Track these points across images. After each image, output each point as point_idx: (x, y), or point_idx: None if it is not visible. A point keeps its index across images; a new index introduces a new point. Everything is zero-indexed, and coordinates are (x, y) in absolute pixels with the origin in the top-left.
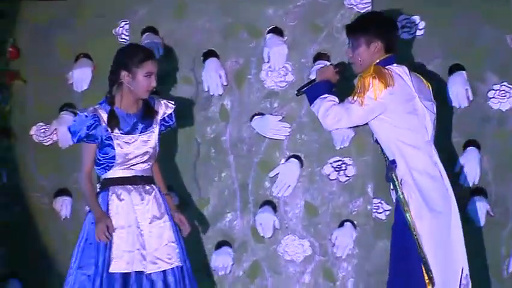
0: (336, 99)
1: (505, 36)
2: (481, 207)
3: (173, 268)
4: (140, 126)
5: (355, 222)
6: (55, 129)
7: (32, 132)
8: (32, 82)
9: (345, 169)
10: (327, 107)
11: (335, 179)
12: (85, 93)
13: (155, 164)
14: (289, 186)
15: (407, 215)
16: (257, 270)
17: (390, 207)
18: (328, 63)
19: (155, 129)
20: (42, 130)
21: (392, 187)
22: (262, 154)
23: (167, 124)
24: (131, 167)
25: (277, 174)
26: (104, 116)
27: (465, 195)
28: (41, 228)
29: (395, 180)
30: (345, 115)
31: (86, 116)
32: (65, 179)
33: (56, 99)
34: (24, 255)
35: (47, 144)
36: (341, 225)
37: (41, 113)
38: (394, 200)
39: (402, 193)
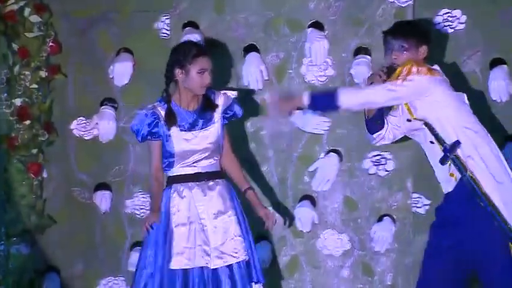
0: None
1: None
2: None
3: (239, 262)
4: (200, 122)
5: (394, 216)
6: (96, 123)
7: (72, 126)
8: (72, 77)
9: (385, 163)
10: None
11: (374, 174)
12: (125, 87)
13: (229, 158)
14: (328, 180)
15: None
16: (296, 264)
17: (429, 202)
18: (368, 57)
19: (217, 123)
20: (83, 124)
21: (451, 170)
22: (302, 149)
23: (229, 115)
24: (194, 164)
25: (316, 168)
26: (163, 114)
27: None
28: (81, 223)
29: (460, 159)
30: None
31: (146, 115)
32: (105, 173)
33: (97, 93)
34: (63, 249)
35: (87, 138)
36: (380, 219)
37: (81, 108)
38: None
39: (471, 172)
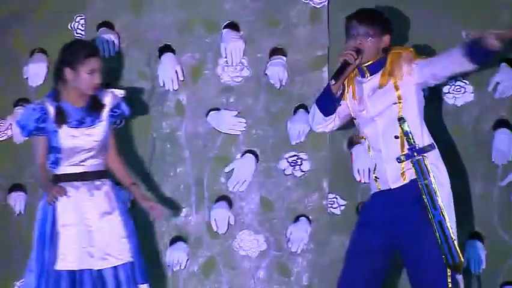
0: None
1: (461, 31)
2: None
3: (124, 264)
4: (87, 119)
5: (310, 217)
6: (10, 124)
7: None
8: None
9: (301, 164)
10: None
11: (290, 174)
12: (39, 88)
13: (114, 156)
14: (244, 181)
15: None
16: (212, 265)
17: (345, 202)
18: (284, 58)
19: (104, 122)
20: None
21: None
22: (218, 149)
23: (117, 114)
24: (81, 163)
25: (232, 169)
26: (52, 110)
27: None
28: None
29: (425, 164)
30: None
31: (34, 109)
32: (19, 174)
33: (11, 94)
34: None
35: (1, 139)
36: (296, 220)
37: None
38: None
39: (432, 180)
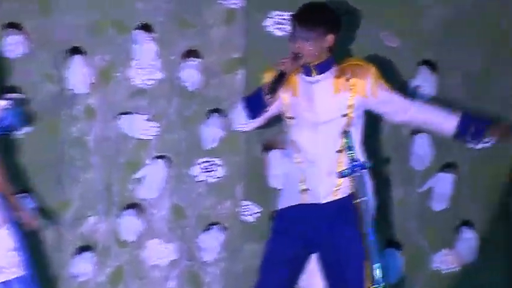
0: None
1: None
2: None
3: (17, 277)
4: None
5: (223, 225)
6: None
7: None
8: None
9: (214, 170)
10: None
11: (203, 180)
12: None
13: None
14: (155, 187)
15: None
16: (120, 275)
17: (259, 210)
18: (198, 60)
19: None
20: None
21: (349, 191)
22: (129, 154)
23: (2, 126)
24: None
25: (143, 175)
26: None
27: None
28: None
29: (366, 180)
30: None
31: None
32: None
33: None
34: None
35: None
36: (208, 228)
37: None
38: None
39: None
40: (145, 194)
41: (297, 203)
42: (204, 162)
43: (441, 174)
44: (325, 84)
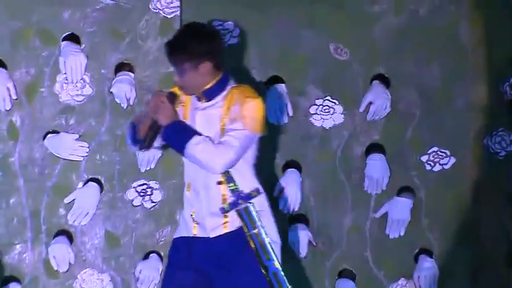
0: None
1: (329, 44)
2: (303, 235)
3: None
4: None
5: (162, 253)
6: None
7: None
8: None
9: (151, 194)
10: (209, 151)
11: (140, 205)
12: None
13: None
14: (87, 213)
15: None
16: None
17: None
18: (132, 74)
19: None
20: None
21: (240, 223)
22: (57, 177)
23: None
24: None
25: (73, 200)
26: None
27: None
28: None
29: (253, 212)
30: (236, 148)
31: None
32: None
33: None
34: None
35: None
36: (146, 257)
37: None
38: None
39: (263, 227)
40: (75, 220)
41: (190, 235)
42: (140, 185)
43: (398, 199)
44: (211, 112)
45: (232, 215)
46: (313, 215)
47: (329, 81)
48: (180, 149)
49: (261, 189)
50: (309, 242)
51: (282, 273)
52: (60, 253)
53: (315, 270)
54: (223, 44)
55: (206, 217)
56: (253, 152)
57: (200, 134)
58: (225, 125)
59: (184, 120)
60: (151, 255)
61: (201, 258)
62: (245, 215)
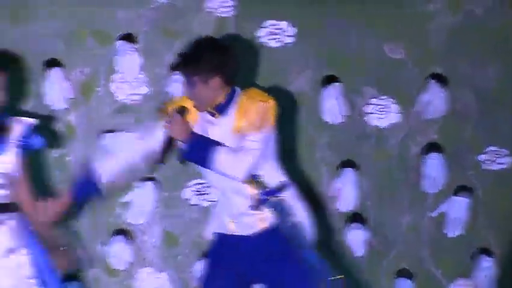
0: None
1: (384, 44)
2: (359, 235)
3: None
4: None
5: None
6: None
7: None
8: None
9: (207, 193)
10: (230, 160)
11: (196, 204)
12: None
13: (24, 189)
14: (145, 212)
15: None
16: None
17: None
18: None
19: (10, 152)
20: None
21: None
22: None
23: (25, 144)
24: None
25: (131, 199)
26: None
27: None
28: None
29: (283, 205)
30: (255, 152)
31: None
32: None
33: None
34: None
35: None
36: (204, 256)
37: None
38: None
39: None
40: (133, 219)
41: (226, 233)
42: (196, 184)
43: (456, 198)
44: (225, 125)
45: (265, 211)
46: (370, 214)
47: (384, 80)
48: (202, 163)
49: (287, 181)
50: (366, 242)
51: (319, 256)
52: (119, 252)
53: (372, 269)
54: (235, 59)
55: (240, 216)
56: (273, 148)
57: (218, 144)
58: (240, 131)
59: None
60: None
61: (240, 255)
62: (275, 210)
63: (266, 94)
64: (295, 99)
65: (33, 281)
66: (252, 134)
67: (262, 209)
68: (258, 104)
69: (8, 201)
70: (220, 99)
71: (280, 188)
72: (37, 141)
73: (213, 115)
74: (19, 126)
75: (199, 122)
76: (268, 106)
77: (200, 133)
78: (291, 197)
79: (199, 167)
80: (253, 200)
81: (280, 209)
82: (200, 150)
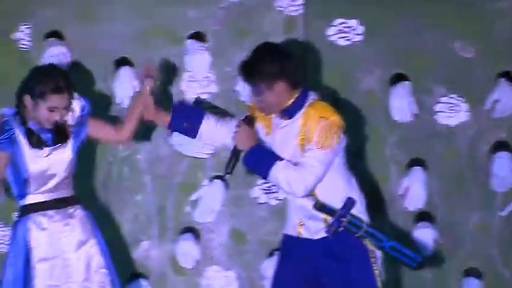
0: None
1: (454, 41)
2: (428, 234)
3: None
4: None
5: None
6: None
7: None
8: None
9: (276, 191)
10: (290, 176)
11: (265, 203)
12: None
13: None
14: (213, 210)
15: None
16: None
17: None
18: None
19: (69, 142)
20: None
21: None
22: (183, 175)
23: (80, 130)
24: (52, 189)
25: (199, 197)
26: (18, 132)
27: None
28: None
29: (356, 219)
30: (316, 169)
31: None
32: None
33: None
34: None
35: None
36: (271, 254)
37: None
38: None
39: (366, 230)
40: (201, 217)
41: (295, 235)
42: (264, 183)
43: None
44: (289, 129)
45: (329, 218)
46: (438, 213)
47: (454, 79)
48: (262, 175)
49: (355, 196)
50: (434, 241)
51: (397, 243)
52: (186, 250)
53: (441, 268)
54: (295, 63)
55: (308, 220)
56: (340, 162)
57: (280, 158)
58: (301, 142)
59: (265, 138)
60: (276, 252)
61: (306, 258)
62: (351, 227)
63: (331, 109)
64: (364, 98)
65: (105, 270)
66: (313, 151)
67: (338, 229)
68: (321, 120)
69: (73, 194)
70: (288, 102)
71: (348, 207)
72: (84, 111)
73: (281, 118)
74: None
75: (273, 125)
76: (331, 123)
77: (270, 136)
78: (357, 211)
79: None
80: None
81: (352, 225)
82: (259, 162)
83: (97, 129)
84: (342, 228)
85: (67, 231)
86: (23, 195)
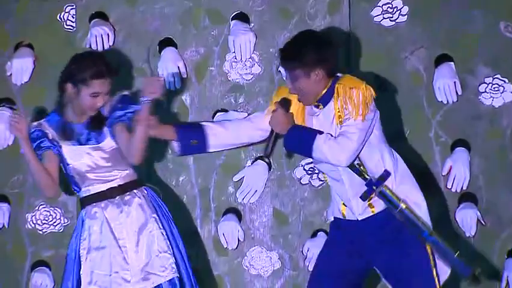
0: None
1: (499, 22)
2: (471, 214)
3: (170, 280)
4: (92, 135)
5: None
6: None
7: None
8: None
9: (319, 172)
10: (333, 147)
11: (307, 184)
12: (25, 86)
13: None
14: (256, 191)
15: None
16: (220, 286)
17: None
18: None
19: (107, 133)
20: None
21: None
22: (226, 156)
23: (117, 116)
24: (103, 179)
25: (242, 178)
26: (50, 130)
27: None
28: None
29: (389, 193)
30: (356, 138)
31: (30, 133)
32: (2, 184)
33: None
34: None
35: None
36: (314, 235)
37: None
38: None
39: (407, 206)
40: (244, 198)
41: (340, 217)
42: (308, 163)
43: None
44: (327, 114)
45: (374, 198)
46: (482, 194)
47: (499, 59)
48: (305, 153)
49: (389, 171)
50: (478, 221)
51: (441, 242)
52: (229, 231)
53: (484, 249)
54: (335, 53)
55: (351, 200)
56: (378, 133)
57: (319, 132)
58: (339, 119)
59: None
60: (318, 233)
61: (351, 239)
62: (383, 199)
63: (359, 80)
64: (408, 78)
65: (165, 254)
66: (350, 120)
67: (370, 195)
68: (351, 91)
69: (131, 179)
70: (322, 92)
71: (381, 179)
72: (130, 108)
73: (317, 106)
74: (107, 106)
75: (306, 116)
76: (362, 92)
77: (308, 124)
78: (398, 182)
79: None
80: (360, 187)
81: (386, 198)
82: (300, 141)
83: (119, 138)
84: (374, 196)
85: (122, 219)
86: (77, 190)
